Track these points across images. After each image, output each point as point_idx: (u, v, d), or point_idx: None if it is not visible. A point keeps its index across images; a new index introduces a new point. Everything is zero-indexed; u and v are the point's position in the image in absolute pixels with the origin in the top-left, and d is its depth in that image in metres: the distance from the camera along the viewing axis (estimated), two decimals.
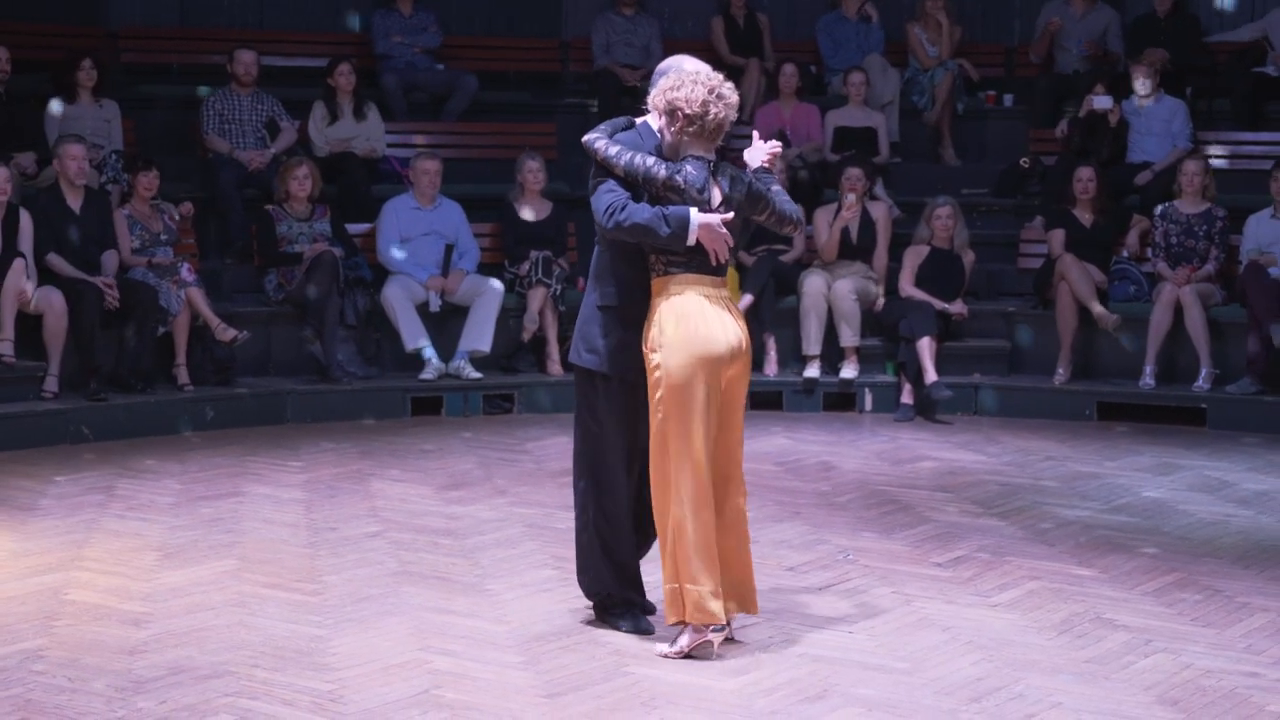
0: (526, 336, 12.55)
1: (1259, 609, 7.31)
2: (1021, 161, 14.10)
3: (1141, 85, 13.64)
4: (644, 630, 6.75)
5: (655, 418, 6.50)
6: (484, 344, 12.37)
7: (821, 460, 10.71)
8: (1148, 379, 12.26)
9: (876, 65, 14.81)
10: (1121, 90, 13.81)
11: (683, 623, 6.47)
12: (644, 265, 6.60)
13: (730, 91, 6.55)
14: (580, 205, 13.57)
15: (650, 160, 6.51)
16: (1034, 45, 15.11)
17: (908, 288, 12.60)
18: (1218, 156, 13.58)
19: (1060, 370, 12.46)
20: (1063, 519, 9.02)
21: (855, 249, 12.84)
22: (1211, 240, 12.46)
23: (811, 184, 13.75)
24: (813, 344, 12.59)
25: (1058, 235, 12.72)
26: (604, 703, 5.99)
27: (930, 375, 12.02)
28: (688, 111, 6.48)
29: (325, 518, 8.86)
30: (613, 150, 6.55)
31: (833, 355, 12.66)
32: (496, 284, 12.49)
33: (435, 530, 8.62)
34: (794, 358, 12.77)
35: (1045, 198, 13.60)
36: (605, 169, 6.57)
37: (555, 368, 12.50)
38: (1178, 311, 12.23)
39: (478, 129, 14.63)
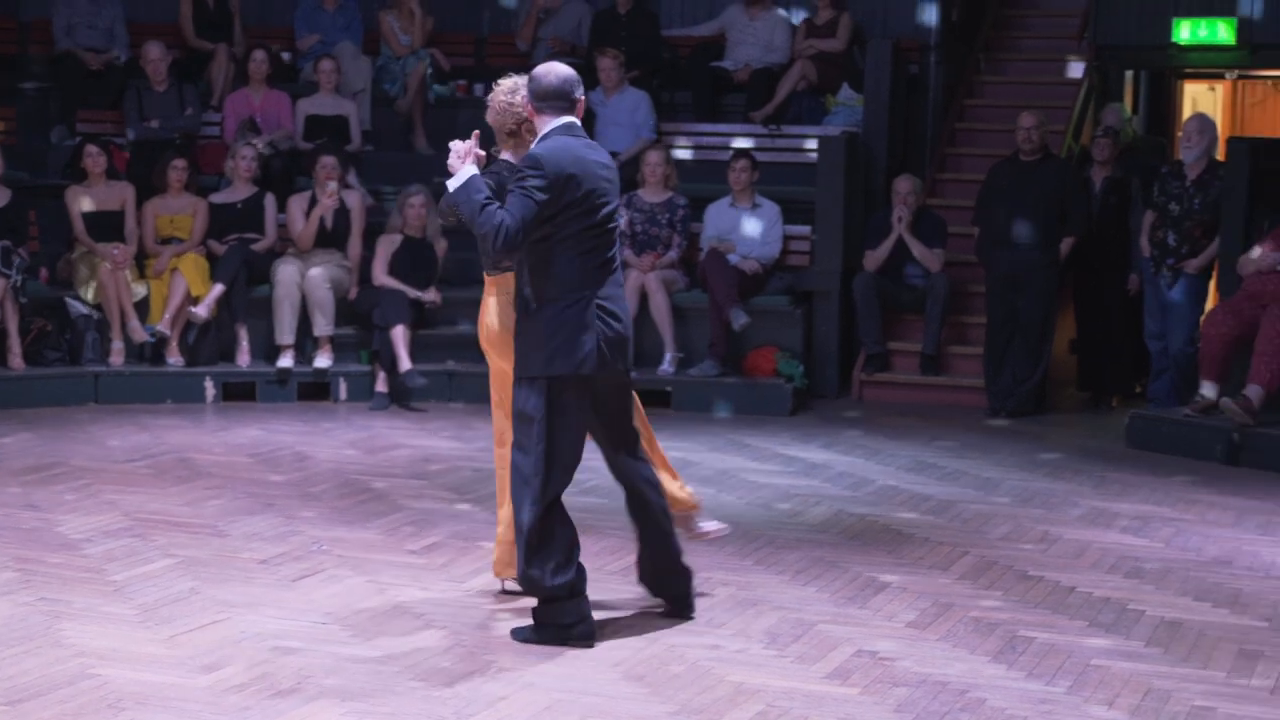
0: None
1: (720, 583, 7.61)
2: (492, 150, 14.23)
3: (606, 77, 13.99)
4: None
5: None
6: None
7: (296, 451, 10.62)
8: None
9: (348, 53, 14.74)
10: (589, 82, 14.12)
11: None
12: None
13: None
14: (42, 194, 13.16)
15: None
16: (520, 31, 15.31)
17: (381, 276, 12.60)
18: (679, 147, 14.04)
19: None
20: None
21: (329, 237, 12.78)
22: (674, 228, 12.89)
23: (284, 172, 13.60)
24: (286, 333, 12.47)
25: None
26: (69, 707, 5.80)
27: (404, 363, 12.07)
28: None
29: None
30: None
31: (306, 345, 12.57)
32: None
33: None
34: (267, 348, 12.62)
35: None
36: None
37: (17, 361, 12.02)
38: (643, 297, 12.61)
39: None
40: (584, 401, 6.61)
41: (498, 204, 6.45)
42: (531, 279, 6.57)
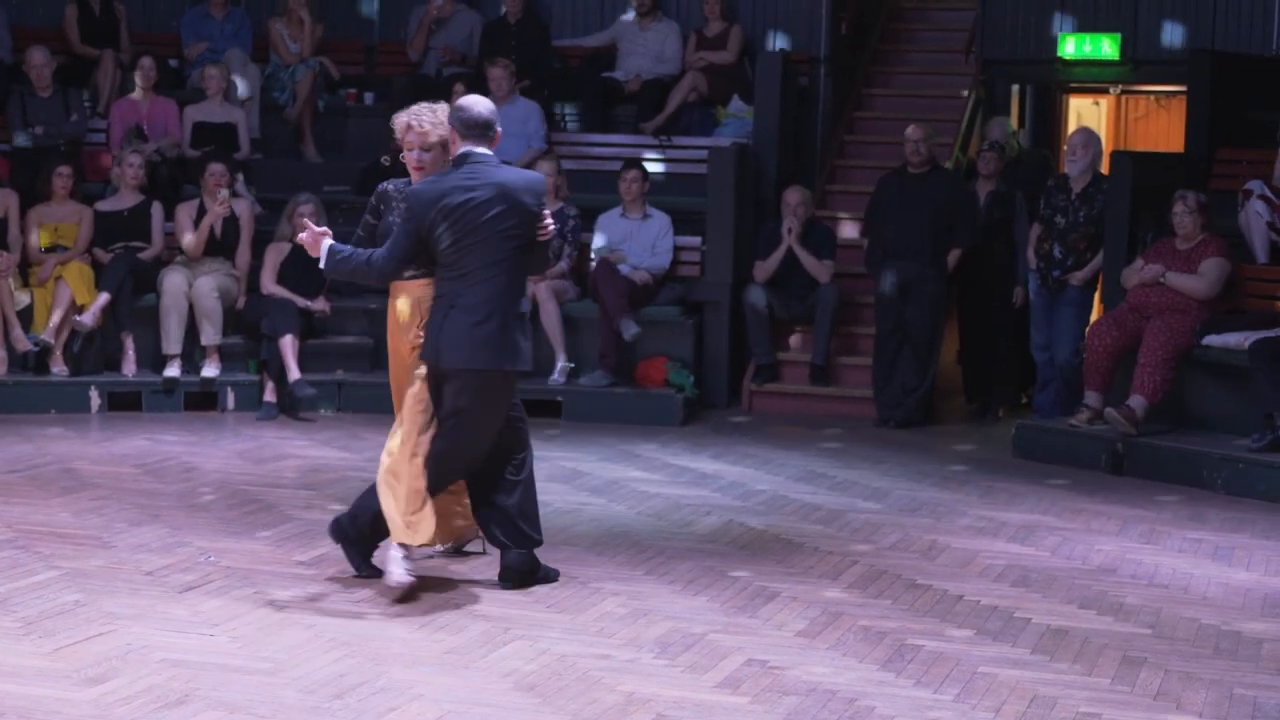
0: None
1: (610, 594, 7.62)
2: (382, 159, 14.17)
3: (496, 87, 13.97)
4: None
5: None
6: None
7: (183, 461, 10.52)
8: None
9: (237, 60, 14.63)
10: (480, 92, 14.10)
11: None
12: None
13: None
14: None
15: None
16: (412, 42, 15.25)
17: (269, 285, 12.52)
18: (569, 157, 14.04)
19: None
20: None
21: (217, 246, 12.68)
22: (564, 238, 12.89)
23: (171, 180, 13.47)
24: (173, 343, 12.36)
25: None
26: None
27: (293, 373, 11.99)
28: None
29: None
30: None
31: (193, 354, 12.46)
32: None
33: None
34: (154, 357, 12.50)
35: None
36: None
37: None
38: (534, 307, 12.59)
39: None
40: (438, 391, 7.51)
41: (352, 249, 7.65)
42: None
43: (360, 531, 7.70)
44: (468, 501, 7.76)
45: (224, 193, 12.53)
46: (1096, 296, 12.36)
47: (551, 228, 7.57)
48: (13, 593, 7.35)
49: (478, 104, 7.48)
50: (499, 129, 7.51)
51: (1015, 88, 15.69)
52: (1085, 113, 17.33)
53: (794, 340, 13.31)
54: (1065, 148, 12.94)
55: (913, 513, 9.61)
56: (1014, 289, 12.68)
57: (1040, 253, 12.13)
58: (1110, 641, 7.09)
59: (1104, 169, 12.45)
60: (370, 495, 7.60)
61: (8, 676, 6.20)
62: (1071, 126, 15.72)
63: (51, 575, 7.67)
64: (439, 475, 7.52)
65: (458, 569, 7.99)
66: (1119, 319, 11.21)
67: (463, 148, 7.43)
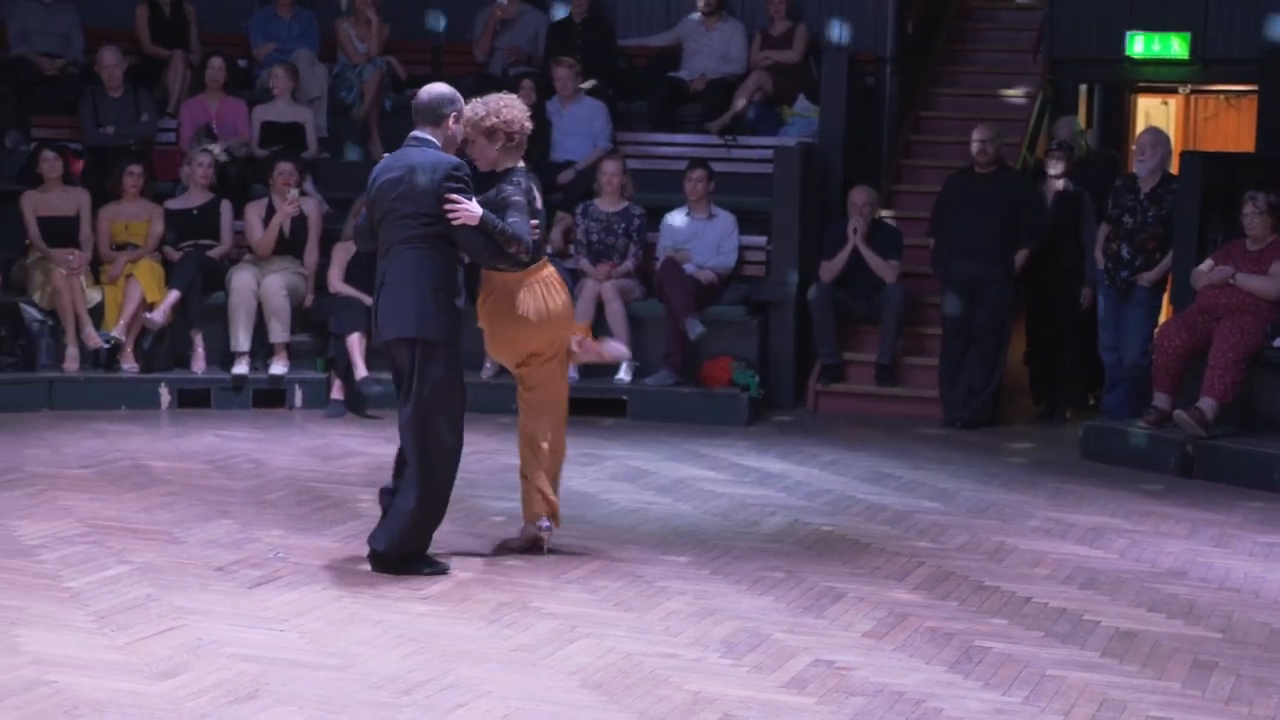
0: None
1: (676, 593, 7.62)
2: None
3: (562, 87, 14.01)
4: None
5: (549, 368, 8.16)
6: None
7: (252, 458, 10.59)
8: (571, 372, 12.56)
9: (305, 60, 14.71)
10: (546, 92, 14.14)
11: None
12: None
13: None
14: None
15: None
16: (478, 42, 15.28)
17: (337, 283, 12.58)
18: (635, 157, 14.04)
19: (488, 365, 12.65)
20: (491, 511, 9.17)
21: (286, 244, 12.75)
22: (630, 238, 12.90)
23: (240, 179, 13.55)
24: (242, 340, 12.44)
25: None
26: (24, 714, 5.77)
27: (360, 371, 12.04)
28: (510, 130, 7.83)
29: None
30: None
31: (262, 351, 12.54)
32: None
33: None
34: (223, 354, 12.58)
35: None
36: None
37: None
38: (599, 306, 12.61)
39: None
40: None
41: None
42: None
43: (403, 553, 7.80)
44: (541, 490, 8.15)
45: (293, 193, 12.60)
46: (1165, 297, 12.29)
47: (467, 211, 7.56)
48: (86, 587, 7.42)
49: (426, 90, 7.82)
50: (448, 112, 7.73)
51: (1083, 87, 15.61)
52: (1154, 112, 17.23)
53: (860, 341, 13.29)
54: (1134, 147, 12.85)
55: (980, 514, 9.57)
56: (1082, 289, 12.61)
57: (1108, 253, 12.06)
58: (1181, 645, 7.05)
59: (1173, 169, 12.37)
60: (390, 521, 7.81)
61: (81, 669, 6.26)
62: (1140, 126, 15.62)
63: (123, 570, 7.73)
64: (419, 441, 7.70)
65: (523, 567, 8.00)
66: (1188, 320, 11.14)
67: (414, 131, 7.79)
